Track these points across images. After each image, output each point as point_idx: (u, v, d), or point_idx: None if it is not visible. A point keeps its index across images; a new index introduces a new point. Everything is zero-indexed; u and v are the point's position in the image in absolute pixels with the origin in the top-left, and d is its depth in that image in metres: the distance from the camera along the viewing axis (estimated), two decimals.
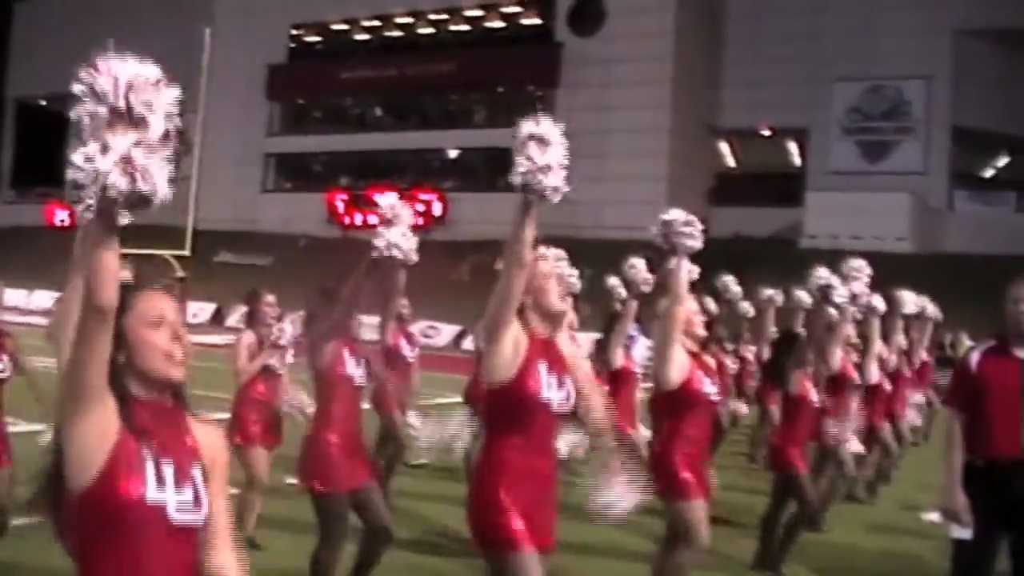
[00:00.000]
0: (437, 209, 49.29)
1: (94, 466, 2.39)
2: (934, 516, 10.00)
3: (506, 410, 3.99)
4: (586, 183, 46.48)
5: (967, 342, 25.23)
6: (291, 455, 5.75)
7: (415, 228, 5.67)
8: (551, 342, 4.16)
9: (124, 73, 2.27)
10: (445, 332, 36.92)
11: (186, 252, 38.48)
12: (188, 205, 38.28)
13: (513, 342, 3.95)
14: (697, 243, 5.70)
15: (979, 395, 5.14)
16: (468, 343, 33.50)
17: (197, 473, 2.58)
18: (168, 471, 2.50)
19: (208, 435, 2.71)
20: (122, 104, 2.23)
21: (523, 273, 3.88)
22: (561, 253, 4.46)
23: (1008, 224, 40.92)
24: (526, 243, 3.81)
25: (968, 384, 5.22)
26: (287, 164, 56.62)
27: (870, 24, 44.48)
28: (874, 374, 9.90)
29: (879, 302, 9.48)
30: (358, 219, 50.69)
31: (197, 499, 2.55)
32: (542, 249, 4.35)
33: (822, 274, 8.02)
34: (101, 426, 2.39)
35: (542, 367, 3.99)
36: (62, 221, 57.55)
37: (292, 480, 8.48)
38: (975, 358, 5.24)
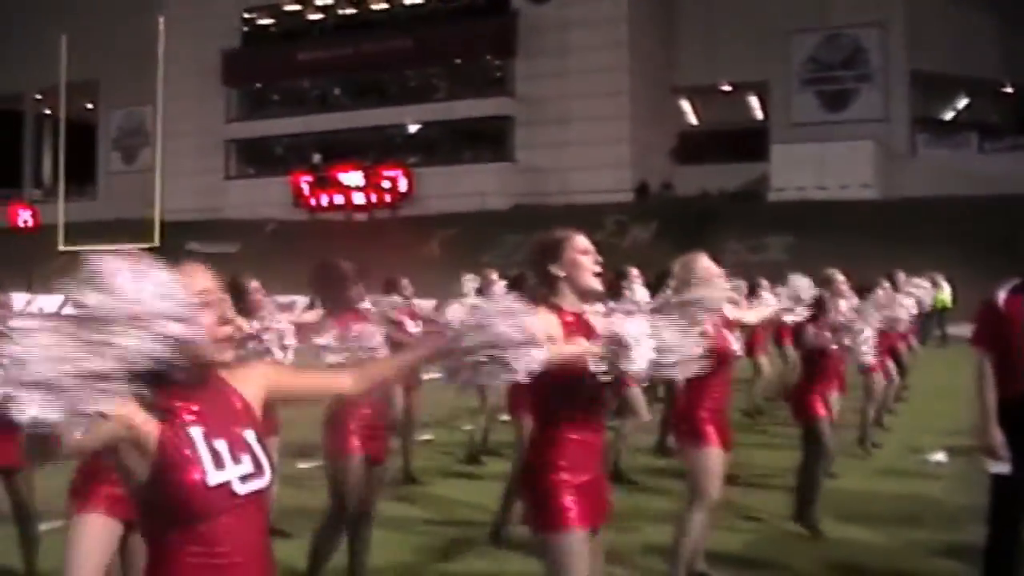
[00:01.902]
0: (403, 185, 49.06)
1: (143, 468, 2.36)
2: (940, 456, 10.25)
3: (558, 388, 3.92)
4: (550, 150, 46.54)
5: (943, 283, 25.50)
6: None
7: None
8: (582, 316, 4.11)
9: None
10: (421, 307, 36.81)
11: (155, 244, 38.28)
12: (153, 197, 38.05)
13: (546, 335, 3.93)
14: None
15: (1008, 333, 5.22)
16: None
17: (251, 435, 2.55)
18: (222, 448, 2.46)
19: (249, 380, 2.67)
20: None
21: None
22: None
23: (971, 165, 41.14)
24: None
25: (996, 323, 5.31)
26: (249, 149, 56.24)
27: None
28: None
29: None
30: (324, 200, 50.50)
31: (258, 464, 2.52)
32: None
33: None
34: (136, 443, 2.34)
35: (583, 342, 3.93)
36: (25, 222, 57.21)
37: (304, 465, 8.48)
38: (1001, 297, 5.30)
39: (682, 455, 6.07)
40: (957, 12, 43.51)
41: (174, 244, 44.13)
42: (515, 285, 7.82)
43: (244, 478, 2.47)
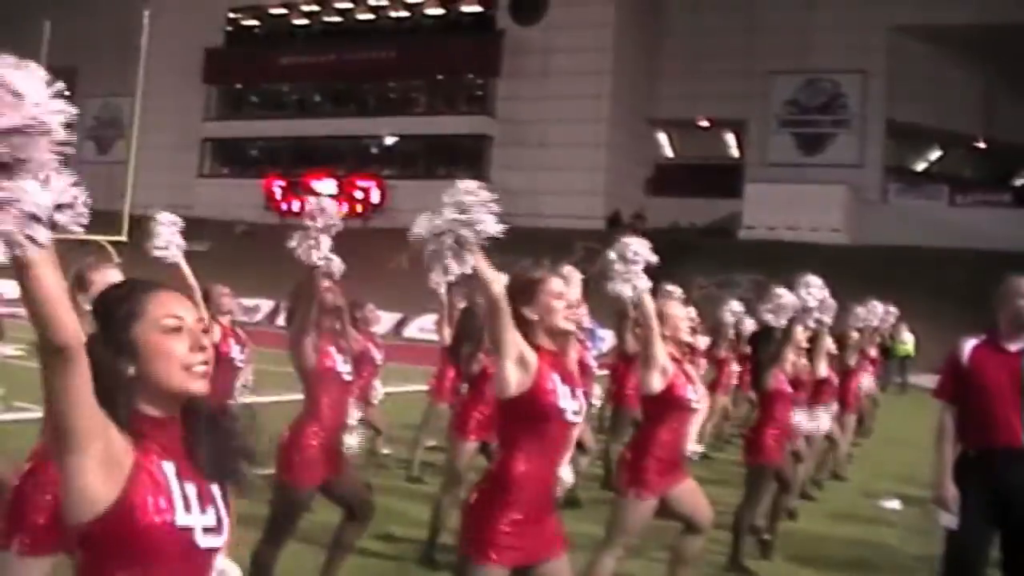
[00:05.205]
0: (375, 196, 48.99)
1: (106, 498, 2.13)
2: (894, 503, 10.30)
3: (522, 420, 3.97)
4: (525, 172, 46.60)
5: (904, 333, 25.66)
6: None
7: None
8: (559, 356, 4.17)
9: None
10: (385, 320, 36.54)
11: (123, 238, 37.79)
12: (125, 190, 37.73)
13: (519, 358, 3.93)
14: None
15: (971, 388, 5.21)
16: (409, 331, 33.32)
17: (217, 492, 2.36)
18: (191, 492, 2.27)
19: None
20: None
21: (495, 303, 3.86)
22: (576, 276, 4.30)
23: (940, 216, 41.53)
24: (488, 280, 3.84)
25: (959, 377, 5.28)
26: (224, 149, 56.04)
27: (807, 18, 44.98)
28: (823, 369, 10.07)
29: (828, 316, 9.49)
30: (295, 205, 50.29)
31: (219, 521, 2.33)
32: (566, 269, 4.24)
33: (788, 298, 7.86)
34: (108, 458, 2.12)
35: (555, 377, 3.98)
36: None
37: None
38: (966, 352, 5.28)
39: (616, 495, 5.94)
40: (937, 66, 44.07)
41: (142, 239, 43.78)
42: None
43: (206, 531, 2.28)
